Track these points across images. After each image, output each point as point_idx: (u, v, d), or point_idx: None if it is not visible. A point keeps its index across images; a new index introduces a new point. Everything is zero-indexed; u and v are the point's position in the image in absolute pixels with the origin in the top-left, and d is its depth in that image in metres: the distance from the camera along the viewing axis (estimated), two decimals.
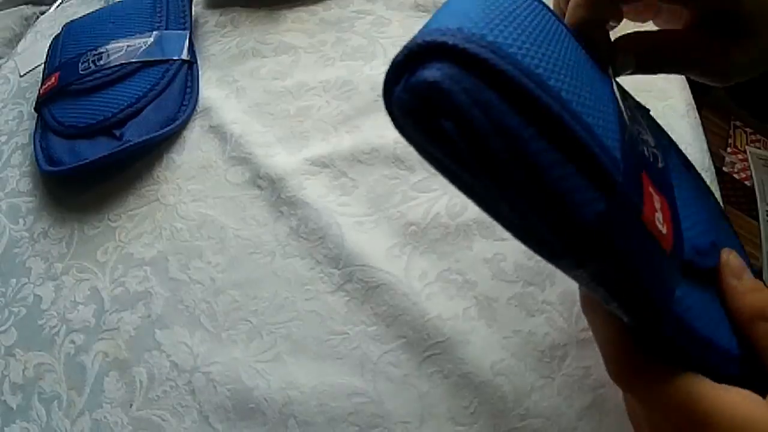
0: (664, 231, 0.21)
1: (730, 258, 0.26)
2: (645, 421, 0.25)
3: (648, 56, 0.29)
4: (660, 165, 0.25)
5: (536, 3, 0.24)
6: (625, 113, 0.23)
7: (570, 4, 0.27)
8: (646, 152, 0.23)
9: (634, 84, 0.47)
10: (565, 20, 0.27)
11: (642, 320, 0.21)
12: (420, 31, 0.19)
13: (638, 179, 0.20)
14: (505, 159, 0.18)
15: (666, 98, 0.46)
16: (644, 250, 0.20)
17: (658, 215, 0.21)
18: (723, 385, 0.23)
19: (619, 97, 0.24)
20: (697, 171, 0.32)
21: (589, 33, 0.27)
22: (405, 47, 0.19)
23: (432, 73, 0.18)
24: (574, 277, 0.21)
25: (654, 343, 0.23)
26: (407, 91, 0.18)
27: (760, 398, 0.23)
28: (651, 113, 0.31)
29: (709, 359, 0.23)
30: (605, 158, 0.19)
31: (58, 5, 0.77)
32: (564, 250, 0.19)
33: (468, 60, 0.18)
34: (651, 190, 0.21)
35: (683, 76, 0.49)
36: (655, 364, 0.23)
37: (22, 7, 0.80)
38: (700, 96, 0.49)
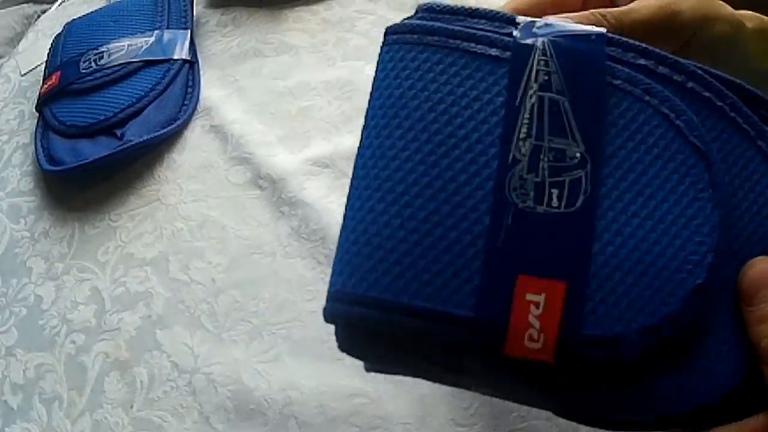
0: (539, 345, 0.20)
1: (743, 280, 0.22)
2: None
3: None
4: (580, 202, 0.22)
5: None
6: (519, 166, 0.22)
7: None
8: (549, 199, 0.22)
9: None
10: None
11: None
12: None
13: (504, 302, 0.21)
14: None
15: None
16: (506, 382, 0.22)
17: (531, 331, 0.21)
18: None
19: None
20: None
21: None
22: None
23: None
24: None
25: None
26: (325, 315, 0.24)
27: None
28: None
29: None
30: (449, 327, 0.21)
31: (60, 4, 0.77)
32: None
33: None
34: (529, 296, 0.21)
35: None
36: None
37: (23, 5, 0.79)
38: None
